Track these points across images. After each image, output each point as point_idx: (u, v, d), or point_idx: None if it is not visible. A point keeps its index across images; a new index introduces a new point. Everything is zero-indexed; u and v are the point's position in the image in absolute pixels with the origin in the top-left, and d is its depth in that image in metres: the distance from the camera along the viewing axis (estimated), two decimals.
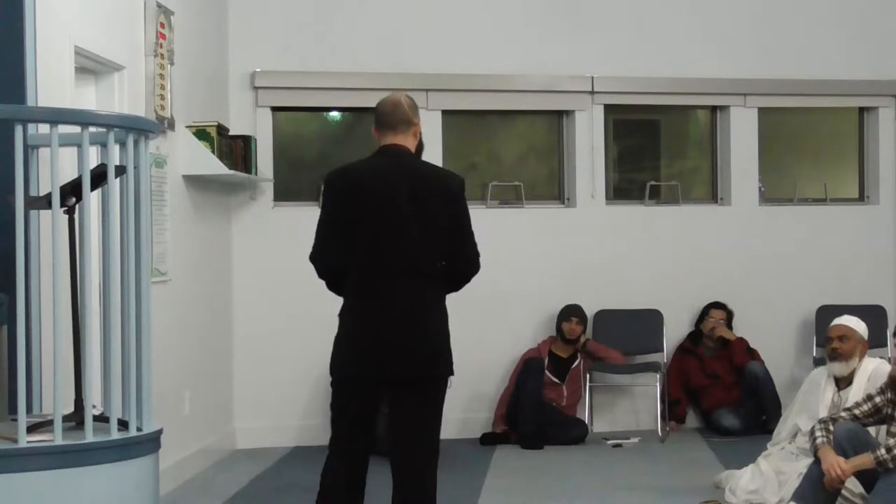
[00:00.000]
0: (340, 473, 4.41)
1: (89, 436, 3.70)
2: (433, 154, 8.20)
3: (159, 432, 3.98)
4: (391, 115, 4.48)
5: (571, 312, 8.09)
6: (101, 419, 3.86)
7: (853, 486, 5.21)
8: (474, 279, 7.73)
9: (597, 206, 8.45)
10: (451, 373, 4.46)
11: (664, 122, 9.09)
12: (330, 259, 4.41)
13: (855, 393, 5.67)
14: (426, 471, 4.39)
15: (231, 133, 7.34)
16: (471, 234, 4.47)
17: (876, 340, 6.73)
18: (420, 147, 4.57)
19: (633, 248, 8.48)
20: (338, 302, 4.51)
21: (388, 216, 4.33)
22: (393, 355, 4.32)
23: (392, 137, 4.48)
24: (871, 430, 5.28)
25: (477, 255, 4.49)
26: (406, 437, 4.41)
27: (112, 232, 3.96)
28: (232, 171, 7.03)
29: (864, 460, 4.93)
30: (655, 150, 9.09)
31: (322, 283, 4.53)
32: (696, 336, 8.44)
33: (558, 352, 8.11)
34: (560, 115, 8.59)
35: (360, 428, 4.41)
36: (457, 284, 4.53)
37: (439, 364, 4.39)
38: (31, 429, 3.69)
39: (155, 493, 3.98)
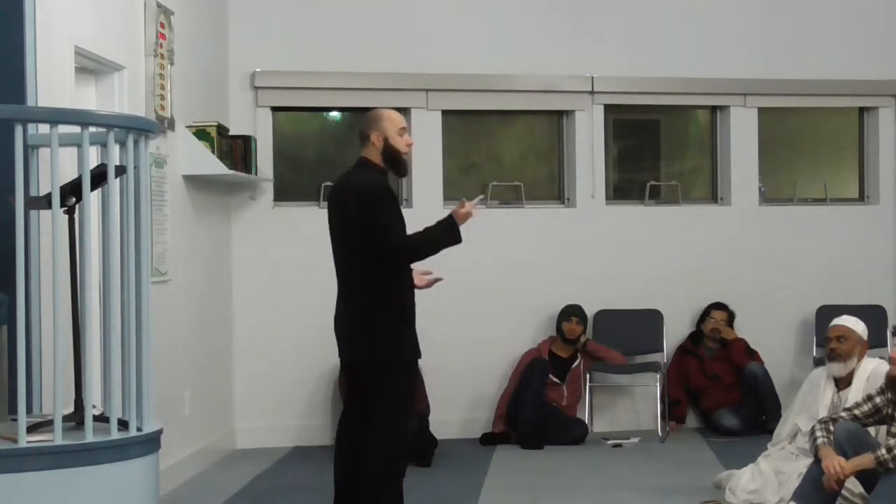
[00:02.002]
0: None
1: (89, 436, 3.70)
2: (433, 154, 8.23)
3: (159, 432, 3.98)
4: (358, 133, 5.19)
5: (571, 312, 8.09)
6: (101, 419, 3.87)
7: (853, 486, 5.21)
8: (474, 279, 7.88)
9: (597, 206, 8.45)
10: (375, 359, 4.97)
11: (664, 122, 9.08)
12: None
13: (854, 393, 5.67)
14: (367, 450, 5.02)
15: (231, 133, 7.34)
16: (374, 229, 4.88)
17: (876, 340, 6.72)
18: (387, 153, 5.07)
19: (633, 248, 8.47)
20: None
21: (329, 222, 5.11)
22: (338, 341, 5.11)
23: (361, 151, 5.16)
24: (871, 430, 5.28)
25: (388, 247, 4.91)
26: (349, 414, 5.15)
27: (112, 232, 3.96)
28: (232, 171, 7.03)
29: (865, 460, 4.92)
30: (655, 150, 9.09)
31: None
32: (696, 336, 8.44)
33: (558, 352, 8.11)
34: (560, 115, 8.59)
35: (346, 408, 5.25)
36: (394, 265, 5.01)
37: (356, 348, 5.00)
38: (31, 429, 3.70)
39: (155, 493, 3.98)
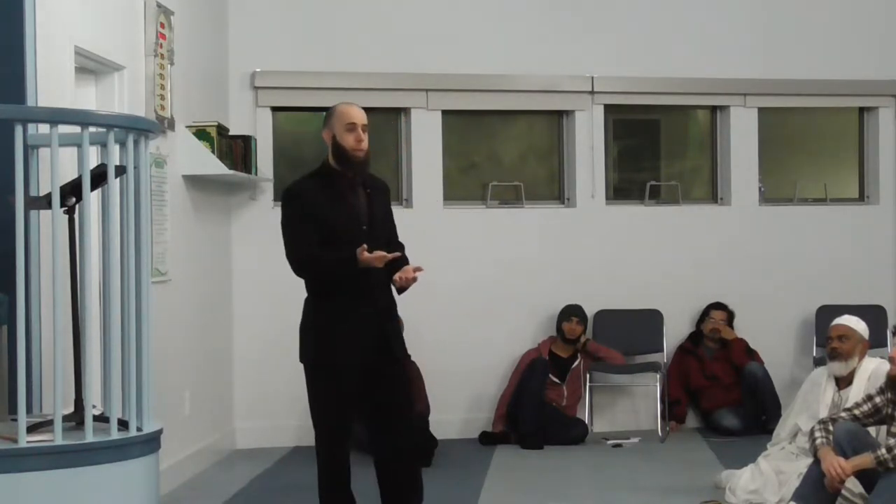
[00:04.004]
0: None
1: (89, 436, 3.70)
2: (433, 154, 8.23)
3: (159, 432, 3.99)
4: None
5: (571, 312, 8.09)
6: (101, 419, 3.87)
7: (853, 485, 5.21)
8: (473, 279, 7.83)
9: (597, 206, 8.45)
10: (302, 360, 5.13)
11: (664, 122, 9.08)
12: None
13: (855, 393, 5.67)
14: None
15: (231, 133, 7.34)
16: (284, 236, 4.92)
17: (876, 340, 6.72)
18: (335, 152, 4.86)
19: (633, 248, 8.47)
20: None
21: None
22: None
23: None
24: (871, 430, 5.28)
25: (289, 256, 4.89)
26: None
27: (112, 232, 3.96)
28: (232, 171, 7.03)
29: (865, 460, 4.92)
30: (655, 150, 9.09)
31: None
32: (696, 336, 8.44)
33: (558, 352, 8.11)
34: (560, 115, 8.58)
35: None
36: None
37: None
38: (31, 429, 3.70)
39: (155, 493, 3.98)
